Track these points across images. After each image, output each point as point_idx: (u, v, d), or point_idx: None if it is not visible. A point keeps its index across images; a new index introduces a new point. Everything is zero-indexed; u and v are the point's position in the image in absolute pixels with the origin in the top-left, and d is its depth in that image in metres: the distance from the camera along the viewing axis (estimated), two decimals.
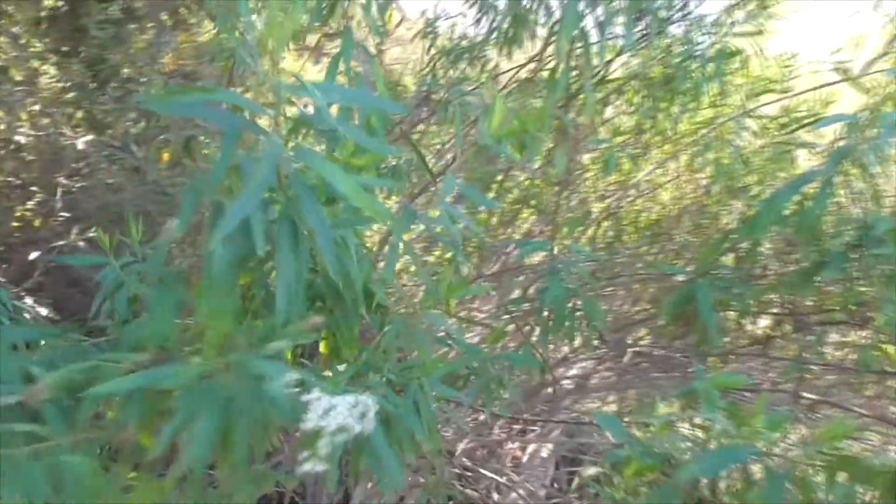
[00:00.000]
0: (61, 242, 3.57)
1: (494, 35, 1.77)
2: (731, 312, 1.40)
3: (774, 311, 1.51)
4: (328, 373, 1.03)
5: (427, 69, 2.03)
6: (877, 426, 1.89)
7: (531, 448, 3.70)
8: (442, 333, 1.18)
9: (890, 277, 1.08)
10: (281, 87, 0.73)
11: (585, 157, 2.16)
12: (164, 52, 5.49)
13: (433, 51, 2.12)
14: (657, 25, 1.61)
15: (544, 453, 3.69)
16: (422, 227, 1.16)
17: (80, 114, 3.67)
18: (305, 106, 0.79)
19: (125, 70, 4.71)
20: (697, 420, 1.05)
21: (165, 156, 3.71)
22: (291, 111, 0.82)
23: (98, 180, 3.98)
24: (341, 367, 1.06)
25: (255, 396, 0.74)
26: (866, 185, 1.08)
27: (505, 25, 1.69)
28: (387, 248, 1.59)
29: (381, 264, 1.18)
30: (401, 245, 1.06)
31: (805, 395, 1.90)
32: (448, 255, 1.52)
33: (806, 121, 1.47)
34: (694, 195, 2.05)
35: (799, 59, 2.24)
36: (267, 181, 0.70)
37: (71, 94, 4.37)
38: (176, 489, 0.81)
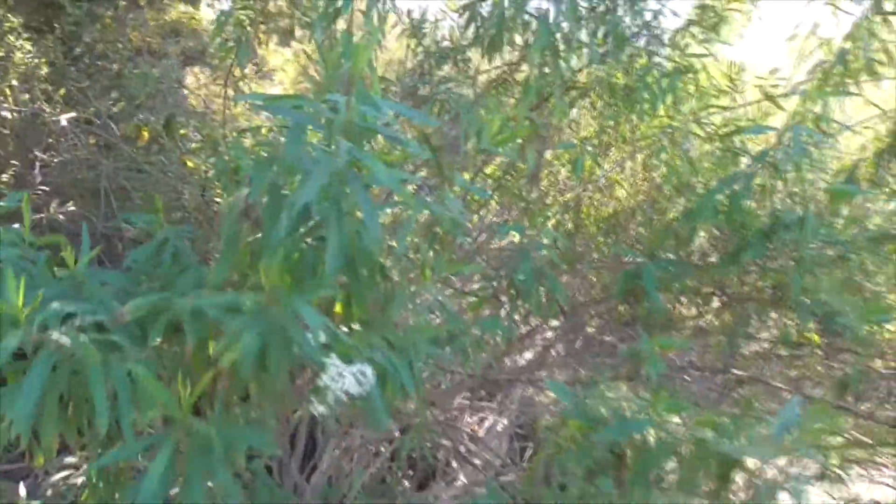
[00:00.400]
0: (40, 215, 3.64)
1: (478, 40, 2.01)
2: (672, 292, 1.68)
3: (709, 291, 1.79)
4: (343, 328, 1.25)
5: (414, 68, 2.26)
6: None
7: (488, 423, 3.99)
8: (436, 302, 1.42)
9: (796, 260, 1.37)
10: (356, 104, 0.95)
11: (552, 154, 2.42)
12: (132, 30, 5.56)
13: (420, 50, 2.35)
14: (620, 41, 1.87)
15: (499, 428, 3.98)
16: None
17: (61, 91, 3.74)
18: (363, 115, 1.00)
19: (98, 46, 4.78)
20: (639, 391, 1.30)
21: (145, 134, 3.82)
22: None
23: (75, 156, 4.06)
24: (354, 326, 1.29)
25: (290, 329, 0.96)
26: (781, 184, 1.36)
27: (489, 33, 1.93)
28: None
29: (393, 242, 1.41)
30: (413, 226, 1.29)
31: (735, 371, 2.21)
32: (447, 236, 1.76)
33: (739, 129, 1.75)
34: (647, 192, 2.33)
35: (747, 73, 2.55)
36: (329, 171, 0.92)
37: (45, 71, 4.42)
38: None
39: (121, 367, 0.89)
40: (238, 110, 4.74)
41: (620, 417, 1.08)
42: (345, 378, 0.90)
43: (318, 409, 0.90)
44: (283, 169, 0.97)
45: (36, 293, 0.94)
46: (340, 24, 1.85)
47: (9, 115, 3.69)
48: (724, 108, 2.11)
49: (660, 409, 1.07)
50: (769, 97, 1.65)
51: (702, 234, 1.67)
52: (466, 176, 2.43)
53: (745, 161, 1.61)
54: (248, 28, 2.26)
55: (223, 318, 0.94)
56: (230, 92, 3.45)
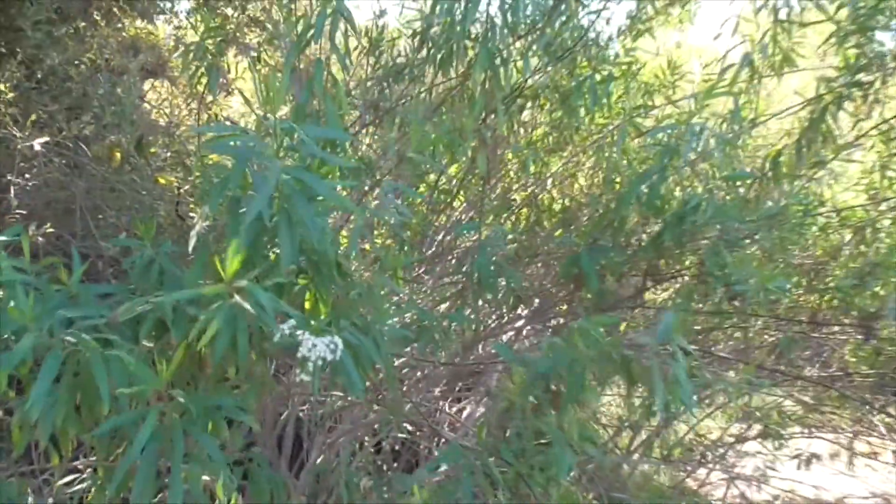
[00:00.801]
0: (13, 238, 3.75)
1: (430, 58, 2.24)
2: (613, 275, 1.92)
3: (643, 271, 2.03)
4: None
5: (373, 84, 2.48)
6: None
7: (466, 412, 4.22)
8: (393, 294, 1.64)
9: (710, 240, 1.61)
10: (279, 127, 1.18)
11: (507, 154, 2.65)
12: (90, 48, 5.66)
13: (378, 68, 2.56)
14: (554, 56, 2.11)
15: (478, 415, 4.21)
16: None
17: (32, 116, 3.87)
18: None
19: (59, 68, 4.89)
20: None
21: (118, 154, 3.97)
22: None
23: (49, 178, 4.18)
24: (321, 318, 1.50)
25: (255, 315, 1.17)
26: (689, 172, 1.61)
27: (439, 54, 2.15)
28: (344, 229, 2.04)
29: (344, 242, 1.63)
30: (360, 228, 1.51)
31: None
32: (393, 235, 1.98)
33: (651, 128, 2.00)
34: (591, 186, 2.58)
35: (681, 69, 2.82)
36: (271, 188, 1.14)
37: (11, 95, 4.52)
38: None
39: (115, 356, 1.10)
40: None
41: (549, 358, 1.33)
42: (317, 347, 1.11)
43: (304, 377, 1.11)
44: (237, 187, 1.19)
45: (41, 305, 1.15)
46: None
47: None
48: (654, 107, 2.36)
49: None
50: (696, 93, 1.87)
51: (633, 221, 1.91)
52: (432, 177, 2.66)
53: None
54: (215, 57, 2.44)
55: (198, 312, 1.16)
56: (201, 113, 3.64)
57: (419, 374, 2.67)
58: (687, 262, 1.91)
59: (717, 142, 1.61)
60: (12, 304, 1.07)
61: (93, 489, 1.83)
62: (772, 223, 1.71)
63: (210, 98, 2.96)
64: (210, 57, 2.37)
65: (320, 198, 1.24)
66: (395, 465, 3.91)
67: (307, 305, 1.57)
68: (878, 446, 3.79)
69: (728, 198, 1.81)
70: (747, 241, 1.74)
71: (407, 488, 1.64)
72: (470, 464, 1.60)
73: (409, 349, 2.11)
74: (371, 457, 3.58)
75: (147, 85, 6.15)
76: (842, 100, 2.01)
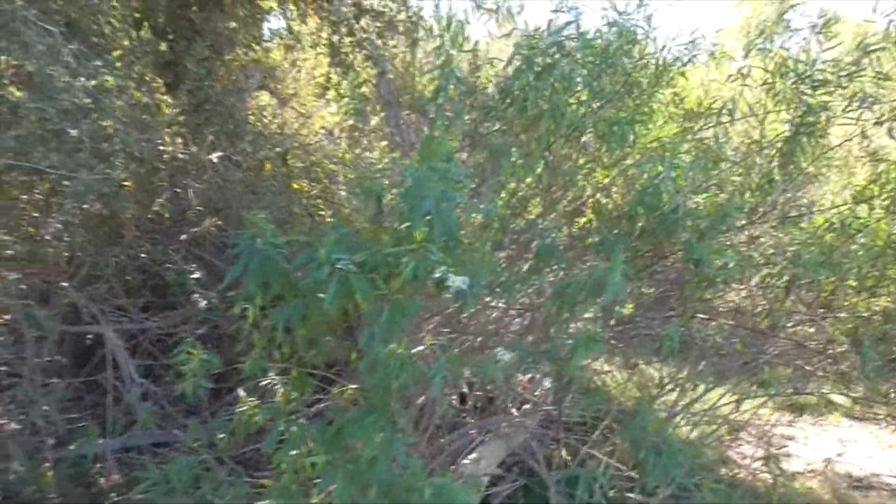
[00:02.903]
0: (195, 229, 5.18)
1: (512, 105, 3.40)
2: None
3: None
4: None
5: (469, 121, 3.67)
6: None
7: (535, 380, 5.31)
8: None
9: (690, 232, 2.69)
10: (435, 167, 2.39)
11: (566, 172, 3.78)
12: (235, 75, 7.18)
13: (472, 107, 3.76)
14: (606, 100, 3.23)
15: (546, 384, 5.30)
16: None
17: (209, 137, 5.30)
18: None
19: (216, 96, 6.39)
20: None
21: (267, 165, 5.36)
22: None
23: (213, 184, 5.61)
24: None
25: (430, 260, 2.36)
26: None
27: (517, 103, 3.31)
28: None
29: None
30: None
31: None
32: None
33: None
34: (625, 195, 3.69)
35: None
36: (434, 198, 2.34)
37: (181, 118, 6.05)
38: None
39: (363, 278, 2.32)
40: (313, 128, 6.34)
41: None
42: (456, 280, 2.29)
43: (447, 296, 2.29)
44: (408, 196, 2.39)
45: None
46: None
47: (171, 153, 5.24)
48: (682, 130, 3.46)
49: None
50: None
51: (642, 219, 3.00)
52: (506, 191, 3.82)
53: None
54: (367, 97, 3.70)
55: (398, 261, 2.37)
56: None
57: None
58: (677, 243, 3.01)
59: (686, 170, 2.70)
60: (321, 250, 2.31)
61: None
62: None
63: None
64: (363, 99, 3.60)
65: (457, 202, 2.43)
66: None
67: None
68: None
69: (699, 204, 2.88)
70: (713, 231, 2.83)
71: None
72: None
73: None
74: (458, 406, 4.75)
75: (262, 99, 7.65)
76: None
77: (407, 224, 2.45)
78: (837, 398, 6.68)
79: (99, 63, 3.61)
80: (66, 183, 3.36)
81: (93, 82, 3.46)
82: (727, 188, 3.22)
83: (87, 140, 3.37)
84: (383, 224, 2.98)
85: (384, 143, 6.31)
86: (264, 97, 7.65)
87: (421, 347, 2.79)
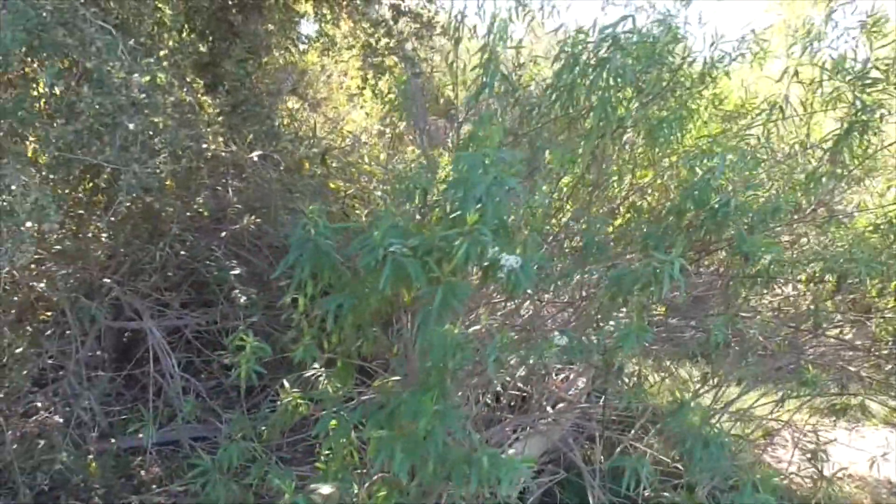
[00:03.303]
0: (236, 226, 5.28)
1: (556, 101, 3.44)
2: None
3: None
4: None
5: (514, 119, 3.72)
6: None
7: (570, 379, 5.34)
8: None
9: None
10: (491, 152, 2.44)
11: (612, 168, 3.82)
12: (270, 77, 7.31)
13: (515, 104, 3.80)
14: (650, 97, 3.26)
15: (580, 384, 5.33)
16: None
17: (250, 136, 5.41)
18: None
19: (253, 97, 6.51)
20: None
21: (306, 164, 5.46)
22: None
23: (251, 183, 5.72)
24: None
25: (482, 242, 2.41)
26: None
27: (562, 96, 3.36)
28: None
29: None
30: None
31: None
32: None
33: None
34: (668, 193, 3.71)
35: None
36: (486, 185, 2.39)
37: (221, 118, 6.17)
38: None
39: (415, 263, 2.38)
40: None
41: None
42: (510, 260, 2.34)
43: (500, 276, 2.34)
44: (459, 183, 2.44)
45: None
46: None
47: (212, 151, 5.35)
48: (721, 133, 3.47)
49: None
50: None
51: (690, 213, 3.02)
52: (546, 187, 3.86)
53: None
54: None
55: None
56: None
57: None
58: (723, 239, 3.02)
59: (737, 166, 2.73)
60: (376, 234, 2.38)
61: None
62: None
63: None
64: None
65: (507, 188, 2.47)
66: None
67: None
68: None
69: (747, 199, 2.90)
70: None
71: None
72: None
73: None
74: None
75: (291, 103, 7.78)
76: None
77: (458, 211, 2.51)
78: (875, 405, 6.63)
79: (151, 60, 3.72)
80: (120, 177, 3.46)
81: (147, 78, 3.57)
82: (773, 186, 3.23)
83: (139, 135, 3.48)
84: (428, 217, 3.04)
85: (411, 147, 6.40)
86: (295, 101, 7.80)
87: (477, 327, 2.84)
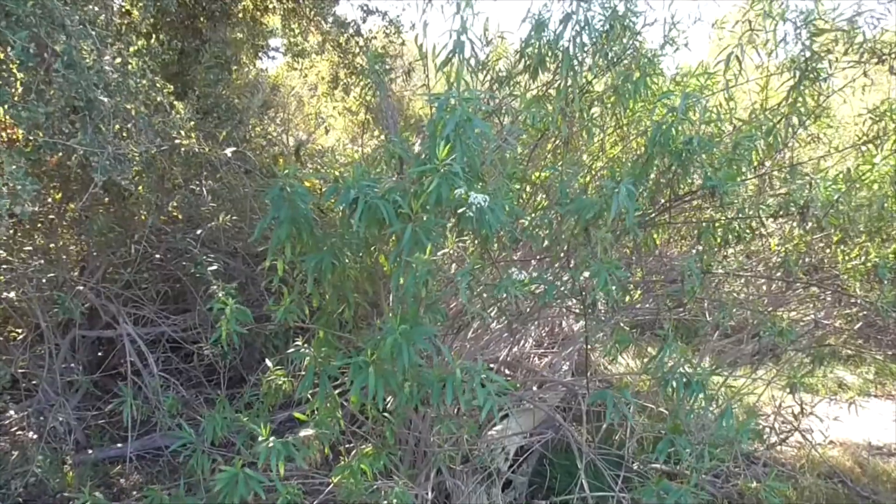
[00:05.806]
0: (212, 224, 5.31)
1: (526, 69, 3.59)
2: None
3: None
4: None
5: (485, 89, 3.85)
6: None
7: (552, 362, 5.42)
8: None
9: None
10: (460, 96, 2.55)
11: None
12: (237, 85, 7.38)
13: (487, 78, 3.94)
14: (609, 64, 3.42)
15: (564, 367, 5.41)
16: None
17: (223, 134, 5.48)
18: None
19: (223, 101, 6.59)
20: None
21: (281, 161, 5.54)
22: None
23: (225, 181, 5.76)
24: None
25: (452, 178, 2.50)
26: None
27: (532, 65, 3.50)
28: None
29: None
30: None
31: None
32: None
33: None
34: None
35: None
36: (456, 121, 2.49)
37: (192, 122, 6.21)
38: None
39: (386, 202, 2.46)
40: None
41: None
42: (478, 198, 2.43)
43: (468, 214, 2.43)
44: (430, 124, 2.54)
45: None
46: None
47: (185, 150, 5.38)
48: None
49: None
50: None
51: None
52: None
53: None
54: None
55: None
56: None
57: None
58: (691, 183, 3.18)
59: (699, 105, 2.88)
60: (349, 179, 2.46)
61: None
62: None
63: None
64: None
65: (477, 130, 2.58)
66: None
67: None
68: None
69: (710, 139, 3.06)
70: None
71: None
72: None
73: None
74: None
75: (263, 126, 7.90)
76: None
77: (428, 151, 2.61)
78: (850, 377, 6.80)
79: (121, 45, 3.80)
80: (94, 160, 3.50)
81: (118, 60, 3.64)
82: (735, 137, 3.39)
83: (111, 118, 3.53)
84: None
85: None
86: (267, 121, 7.91)
87: (445, 250, 2.93)
